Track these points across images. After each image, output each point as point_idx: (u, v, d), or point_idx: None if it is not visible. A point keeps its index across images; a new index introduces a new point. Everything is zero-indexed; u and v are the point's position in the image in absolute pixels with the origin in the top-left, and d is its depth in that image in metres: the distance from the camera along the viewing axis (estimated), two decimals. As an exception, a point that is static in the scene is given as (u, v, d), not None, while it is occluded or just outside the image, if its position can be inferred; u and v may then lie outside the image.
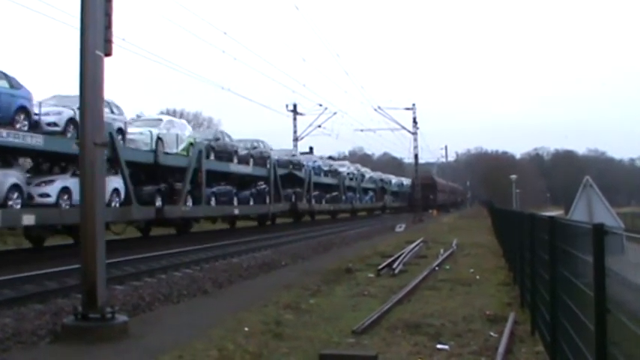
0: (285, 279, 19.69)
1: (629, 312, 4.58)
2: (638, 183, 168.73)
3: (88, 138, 11.67)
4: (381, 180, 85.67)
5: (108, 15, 11.93)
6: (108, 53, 11.95)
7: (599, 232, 5.19)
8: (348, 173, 67.66)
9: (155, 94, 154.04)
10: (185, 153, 31.71)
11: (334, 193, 61.05)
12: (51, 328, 11.80)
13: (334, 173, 62.05)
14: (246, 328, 11.91)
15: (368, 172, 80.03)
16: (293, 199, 48.17)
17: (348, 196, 65.85)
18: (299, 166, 50.66)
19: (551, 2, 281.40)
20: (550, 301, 8.50)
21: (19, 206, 20.65)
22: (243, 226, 44.47)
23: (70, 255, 19.07)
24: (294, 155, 53.27)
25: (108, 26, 11.93)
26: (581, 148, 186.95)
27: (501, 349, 9.96)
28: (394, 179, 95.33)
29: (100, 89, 11.87)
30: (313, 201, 52.99)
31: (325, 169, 59.20)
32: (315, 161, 56.55)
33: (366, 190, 76.53)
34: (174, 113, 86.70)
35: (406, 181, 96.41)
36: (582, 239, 6.00)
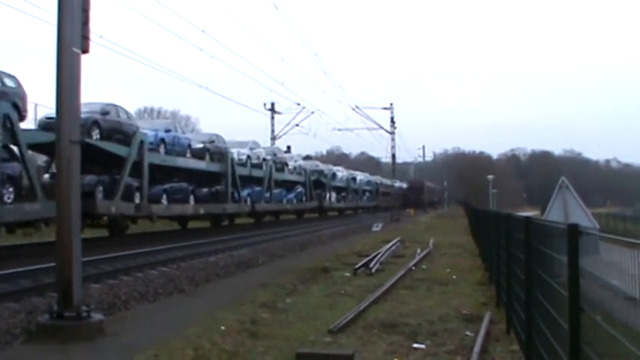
0: (261, 278, 19.69)
1: (603, 311, 4.64)
2: (614, 184, 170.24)
3: (65, 135, 11.62)
4: (353, 179, 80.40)
5: (85, 11, 11.88)
6: (85, 50, 11.89)
7: (574, 232, 5.25)
8: (316, 170, 62.62)
9: (133, 91, 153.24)
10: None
11: (298, 190, 55.88)
12: (25, 327, 11.73)
13: (299, 170, 56.29)
14: (222, 327, 11.91)
15: (340, 171, 74.98)
16: (249, 200, 42.63)
17: (315, 194, 60.12)
18: (259, 164, 45.13)
19: (528, 3, 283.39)
20: (525, 300, 8.57)
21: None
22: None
23: (46, 253, 18.94)
24: (275, 154, 50.40)
25: (85, 23, 11.88)
26: (557, 149, 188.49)
27: (477, 348, 10.04)
28: (363, 176, 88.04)
29: (77, 86, 11.81)
30: (274, 200, 47.87)
31: (291, 165, 54.26)
32: (275, 153, 50.91)
33: (338, 189, 71.92)
34: (151, 111, 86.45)
35: (376, 179, 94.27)
36: (557, 239, 6.07)
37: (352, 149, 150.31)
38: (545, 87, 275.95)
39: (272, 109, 70.63)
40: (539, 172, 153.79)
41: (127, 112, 29.26)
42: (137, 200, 28.37)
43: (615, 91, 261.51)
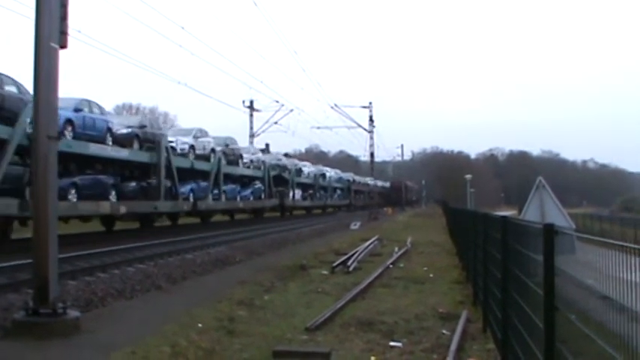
0: (239, 275, 19.70)
1: (577, 310, 4.69)
2: (590, 184, 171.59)
3: (42, 131, 11.55)
4: (322, 175, 74.82)
5: (64, 6, 11.81)
6: (63, 45, 11.82)
7: (550, 231, 5.30)
8: (278, 165, 56.32)
9: (111, 87, 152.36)
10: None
11: (256, 186, 49.34)
12: (1, 324, 11.64)
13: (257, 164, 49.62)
14: (199, 324, 11.91)
15: (307, 167, 69.89)
16: (191, 197, 36.78)
17: (276, 191, 53.81)
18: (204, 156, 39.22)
19: (505, 3, 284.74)
20: (502, 299, 8.63)
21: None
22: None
23: (21, 249, 18.81)
24: (227, 145, 43.45)
25: (63, 18, 11.81)
26: (535, 149, 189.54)
27: (453, 346, 10.10)
28: (334, 173, 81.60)
29: (54, 82, 11.74)
30: (224, 197, 41.19)
31: (247, 159, 47.35)
32: (227, 144, 43.57)
33: (305, 187, 65.98)
34: (130, 108, 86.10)
35: (348, 176, 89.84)
36: (533, 239, 6.12)
37: (331, 147, 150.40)
38: (524, 88, 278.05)
39: (251, 107, 70.63)
40: (517, 172, 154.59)
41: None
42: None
43: (593, 93, 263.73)
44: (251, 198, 47.68)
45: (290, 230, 41.66)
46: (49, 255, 11.41)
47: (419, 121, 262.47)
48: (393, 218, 72.48)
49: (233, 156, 43.17)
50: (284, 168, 57.72)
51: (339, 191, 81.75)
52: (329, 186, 75.54)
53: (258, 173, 49.38)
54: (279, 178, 54.84)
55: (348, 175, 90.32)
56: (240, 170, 44.84)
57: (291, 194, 57.81)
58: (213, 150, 39.08)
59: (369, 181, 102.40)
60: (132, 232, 32.64)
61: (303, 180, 64.20)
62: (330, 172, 79.44)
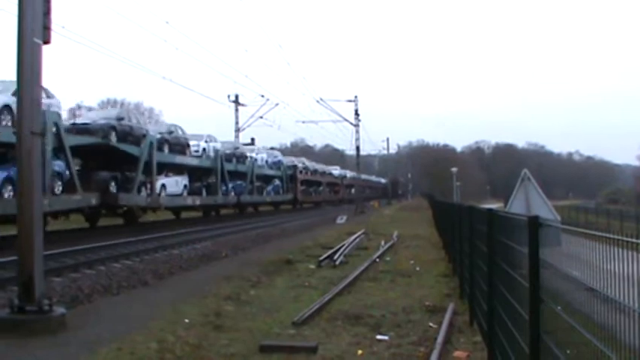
0: (225, 270, 19.69)
1: (563, 302, 4.72)
2: (576, 177, 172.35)
3: (26, 127, 11.50)
4: (294, 167, 67.66)
5: (47, 1, 11.74)
6: (46, 41, 11.77)
7: (534, 224, 5.34)
8: (235, 154, 49.96)
9: (96, 83, 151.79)
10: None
11: (210, 180, 44.68)
12: (-14, 321, 11.59)
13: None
14: (186, 320, 11.90)
15: (276, 156, 64.14)
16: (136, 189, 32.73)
17: (234, 185, 48.31)
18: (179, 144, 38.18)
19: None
20: (488, 291, 8.67)
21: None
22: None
23: (6, 246, 18.74)
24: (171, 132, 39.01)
25: (47, 13, 11.75)
26: (521, 142, 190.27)
27: (440, 339, 10.15)
28: (265, 154, 62.48)
29: (38, 77, 11.68)
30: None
31: (196, 148, 42.38)
32: (170, 132, 39.07)
33: (268, 179, 59.58)
34: (115, 103, 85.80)
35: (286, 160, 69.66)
36: (519, 231, 6.15)
37: (317, 141, 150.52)
38: (510, 81, 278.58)
39: (236, 101, 70.32)
40: (503, 165, 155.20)
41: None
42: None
43: (578, 84, 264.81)
44: (204, 194, 43.37)
45: (274, 225, 41.70)
46: (34, 252, 11.36)
47: (404, 115, 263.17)
48: (379, 212, 72.57)
49: (179, 146, 39.63)
50: (241, 157, 51.54)
51: (276, 181, 62.84)
52: (258, 174, 55.91)
53: (209, 164, 44.16)
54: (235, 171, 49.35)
55: (291, 160, 71.41)
56: (183, 159, 39.73)
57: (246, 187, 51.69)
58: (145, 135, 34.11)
59: (335, 170, 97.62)
60: (116, 229, 32.58)
61: (266, 172, 58.07)
62: (262, 154, 60.85)
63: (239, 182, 49.88)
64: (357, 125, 75.28)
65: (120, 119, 31.82)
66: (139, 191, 32.58)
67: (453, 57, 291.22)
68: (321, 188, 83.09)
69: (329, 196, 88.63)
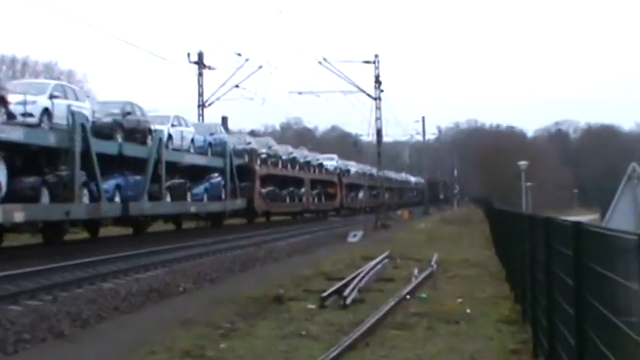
0: (183, 312, 19.67)
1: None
2: None
3: None
4: (250, 152, 62.16)
5: None
6: None
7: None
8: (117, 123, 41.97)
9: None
10: None
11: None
12: None
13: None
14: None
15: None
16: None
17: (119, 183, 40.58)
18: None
19: None
20: (577, 347, 8.53)
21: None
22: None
23: None
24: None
25: None
26: (627, 122, 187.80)
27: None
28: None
29: None
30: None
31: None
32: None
33: (198, 172, 52.90)
34: (12, 62, 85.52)
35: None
36: (627, 257, 5.98)
37: (319, 122, 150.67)
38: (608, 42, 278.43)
39: (199, 62, 69.94)
40: (599, 157, 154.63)
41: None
42: None
43: None
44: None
45: (258, 244, 41.72)
46: None
47: (448, 86, 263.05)
48: (410, 225, 72.61)
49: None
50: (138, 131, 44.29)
51: (215, 176, 55.40)
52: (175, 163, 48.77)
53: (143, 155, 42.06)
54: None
55: (244, 141, 64.90)
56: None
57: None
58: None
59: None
60: (27, 251, 32.50)
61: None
62: (183, 128, 50.90)
63: (131, 177, 41.41)
64: (377, 98, 75.14)
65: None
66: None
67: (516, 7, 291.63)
68: (302, 190, 76.63)
69: (318, 204, 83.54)
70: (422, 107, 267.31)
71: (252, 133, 71.47)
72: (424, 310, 20.08)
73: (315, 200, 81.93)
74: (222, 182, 54.46)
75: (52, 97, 32.45)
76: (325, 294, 21.80)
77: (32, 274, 24.54)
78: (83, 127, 33.61)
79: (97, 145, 35.10)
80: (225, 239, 43.40)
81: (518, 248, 19.43)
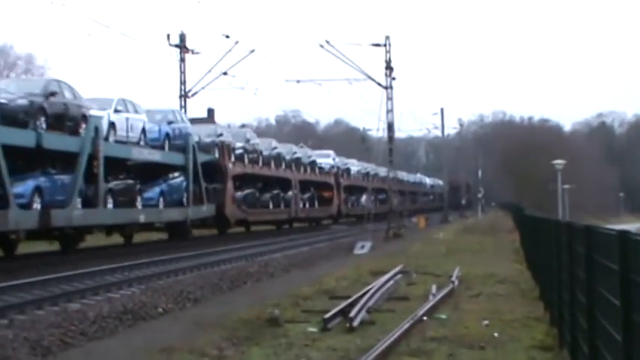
0: (163, 337, 19.74)
1: None
2: None
3: None
4: (221, 146, 58.22)
5: None
6: None
7: None
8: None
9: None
10: None
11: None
12: None
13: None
14: None
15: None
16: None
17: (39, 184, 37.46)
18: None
19: None
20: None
21: None
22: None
23: None
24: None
25: None
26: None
27: None
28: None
29: None
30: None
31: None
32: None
33: (152, 171, 49.99)
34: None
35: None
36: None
37: (320, 115, 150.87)
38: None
39: (181, 46, 69.89)
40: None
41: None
42: None
43: None
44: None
45: (251, 256, 41.74)
46: None
47: (471, 75, 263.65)
48: (427, 234, 72.68)
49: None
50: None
51: (176, 177, 53.08)
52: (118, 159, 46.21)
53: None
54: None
55: (214, 131, 60.95)
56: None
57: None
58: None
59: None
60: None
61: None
62: (133, 115, 47.96)
63: (58, 177, 38.41)
64: (388, 87, 75.12)
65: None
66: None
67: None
68: (289, 194, 74.67)
69: (309, 210, 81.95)
70: (440, 97, 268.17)
71: (244, 127, 71.06)
72: (444, 333, 20.08)
73: (306, 206, 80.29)
74: (184, 184, 51.72)
75: None
76: (328, 315, 21.81)
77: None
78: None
79: (5, 135, 31.54)
80: (210, 251, 43.35)
81: (554, 262, 19.39)
